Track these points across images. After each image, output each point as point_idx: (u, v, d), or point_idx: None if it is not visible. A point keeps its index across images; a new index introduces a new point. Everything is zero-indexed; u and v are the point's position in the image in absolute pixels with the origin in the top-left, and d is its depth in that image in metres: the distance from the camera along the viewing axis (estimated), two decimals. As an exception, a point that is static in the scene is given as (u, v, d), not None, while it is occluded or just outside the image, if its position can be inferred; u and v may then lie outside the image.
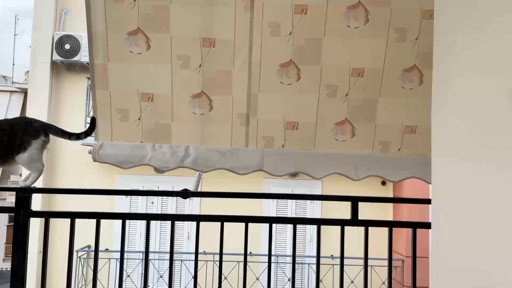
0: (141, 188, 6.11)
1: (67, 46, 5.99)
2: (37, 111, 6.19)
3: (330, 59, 1.82)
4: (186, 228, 6.03)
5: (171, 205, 6.24)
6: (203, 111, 1.89)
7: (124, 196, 6.21)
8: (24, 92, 19.69)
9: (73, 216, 1.73)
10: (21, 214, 1.60)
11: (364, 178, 1.91)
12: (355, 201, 1.67)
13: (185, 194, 1.69)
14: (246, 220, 1.72)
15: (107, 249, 5.61)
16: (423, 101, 1.85)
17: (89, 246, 5.87)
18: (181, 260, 5.73)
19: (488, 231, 0.87)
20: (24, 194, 1.62)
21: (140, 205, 6.27)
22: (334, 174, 1.92)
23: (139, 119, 1.88)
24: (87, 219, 1.79)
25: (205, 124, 1.92)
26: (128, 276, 5.65)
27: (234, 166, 1.91)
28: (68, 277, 1.74)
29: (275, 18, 1.78)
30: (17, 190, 1.67)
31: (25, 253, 1.59)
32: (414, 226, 1.71)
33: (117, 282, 5.84)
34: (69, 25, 6.36)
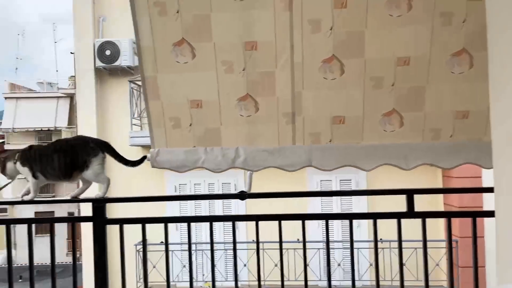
0: (188, 183, 6.33)
1: (107, 52, 6.24)
2: (86, 116, 6.54)
3: (374, 50, 1.81)
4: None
5: (218, 203, 6.39)
6: (249, 113, 1.94)
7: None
8: (70, 96, 20.75)
9: (144, 221, 1.87)
10: (97, 222, 1.75)
11: (415, 167, 1.90)
12: (410, 194, 1.67)
13: (242, 196, 1.76)
14: (303, 217, 1.77)
15: (162, 241, 5.89)
16: (474, 85, 1.81)
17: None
18: (225, 250, 5.91)
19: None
20: (99, 204, 1.77)
21: (189, 203, 6.49)
22: (384, 165, 1.92)
23: (190, 125, 1.96)
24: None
25: (252, 125, 1.97)
26: (184, 266, 5.92)
27: (282, 163, 1.96)
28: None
29: (314, 15, 1.78)
30: (92, 201, 1.83)
31: (105, 257, 1.75)
32: (474, 215, 1.69)
33: (175, 273, 6.10)
34: (107, 32, 6.61)
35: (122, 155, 1.95)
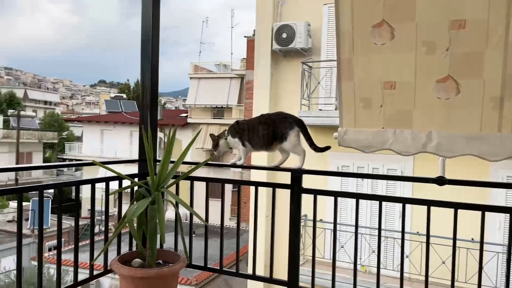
0: (351, 165, 6.35)
1: (284, 35, 6.64)
2: (261, 94, 7.14)
3: None
4: (397, 207, 5.98)
5: (381, 185, 6.27)
6: (448, 96, 1.84)
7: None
8: (241, 77, 22.91)
9: (336, 195, 2.02)
10: (295, 191, 1.97)
11: None
12: None
13: (441, 181, 1.72)
14: (455, 206, 1.65)
15: (321, 219, 6.12)
16: None
17: (305, 215, 6.53)
18: (394, 238, 5.74)
19: None
20: (297, 174, 1.99)
21: (351, 182, 6.53)
22: None
23: (381, 106, 1.98)
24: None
25: (450, 109, 1.86)
26: (342, 247, 6.04)
27: (484, 152, 1.81)
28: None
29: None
30: (292, 171, 2.07)
31: (298, 222, 1.97)
32: None
33: (330, 251, 6.31)
34: (285, 16, 7.01)
35: (312, 138, 2.12)
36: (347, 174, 5.28)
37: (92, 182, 2.33)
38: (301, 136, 2.18)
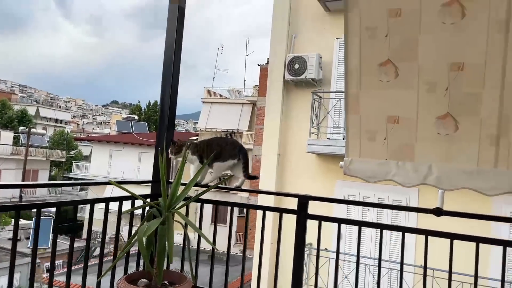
0: (357, 195, 6.40)
1: (296, 66, 6.87)
2: (272, 120, 7.31)
3: None
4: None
5: (387, 214, 6.29)
6: (447, 132, 1.96)
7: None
8: (253, 103, 23.28)
9: (340, 221, 2.12)
10: (301, 216, 2.07)
11: None
12: None
13: (438, 212, 1.81)
14: (477, 240, 1.72)
15: (326, 248, 6.13)
16: None
17: (310, 244, 6.53)
18: (398, 270, 5.70)
19: None
20: (303, 200, 2.09)
21: (356, 211, 6.56)
22: None
23: (385, 139, 2.10)
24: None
25: (450, 144, 1.97)
26: (346, 277, 6.01)
27: (481, 186, 1.90)
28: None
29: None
30: (298, 197, 2.17)
31: (303, 246, 2.05)
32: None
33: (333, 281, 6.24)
34: (297, 48, 7.27)
35: (249, 169, 2.53)
36: (351, 202, 5.40)
37: (92, 202, 2.31)
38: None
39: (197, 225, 2.41)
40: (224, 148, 2.56)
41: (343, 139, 6.47)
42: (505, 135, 1.85)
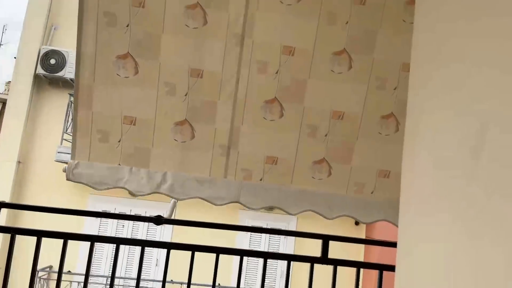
0: (113, 211, 5.96)
1: (52, 61, 5.96)
2: (13, 124, 6.06)
3: (313, 100, 1.89)
4: (155, 255, 5.87)
5: (142, 230, 6.09)
6: (184, 139, 1.90)
7: (94, 218, 6.03)
8: (3, 102, 19.33)
9: (40, 234, 1.68)
10: None
11: (337, 218, 1.94)
12: (326, 239, 1.70)
13: (158, 220, 1.67)
14: (218, 251, 1.71)
15: (69, 271, 5.38)
16: (397, 148, 1.92)
17: (50, 267, 5.62)
18: (146, 288, 5.54)
19: (451, 279, 0.90)
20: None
21: (110, 227, 6.09)
22: (308, 211, 1.94)
23: (119, 141, 1.87)
24: (53, 239, 1.74)
25: (185, 151, 1.92)
26: (89, 302, 5.41)
27: (210, 196, 1.91)
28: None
29: (263, 56, 1.84)
30: None
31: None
32: (381, 268, 1.74)
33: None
34: (57, 41, 6.36)
35: None
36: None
37: None
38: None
39: None
40: None
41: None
42: (235, 146, 1.93)
